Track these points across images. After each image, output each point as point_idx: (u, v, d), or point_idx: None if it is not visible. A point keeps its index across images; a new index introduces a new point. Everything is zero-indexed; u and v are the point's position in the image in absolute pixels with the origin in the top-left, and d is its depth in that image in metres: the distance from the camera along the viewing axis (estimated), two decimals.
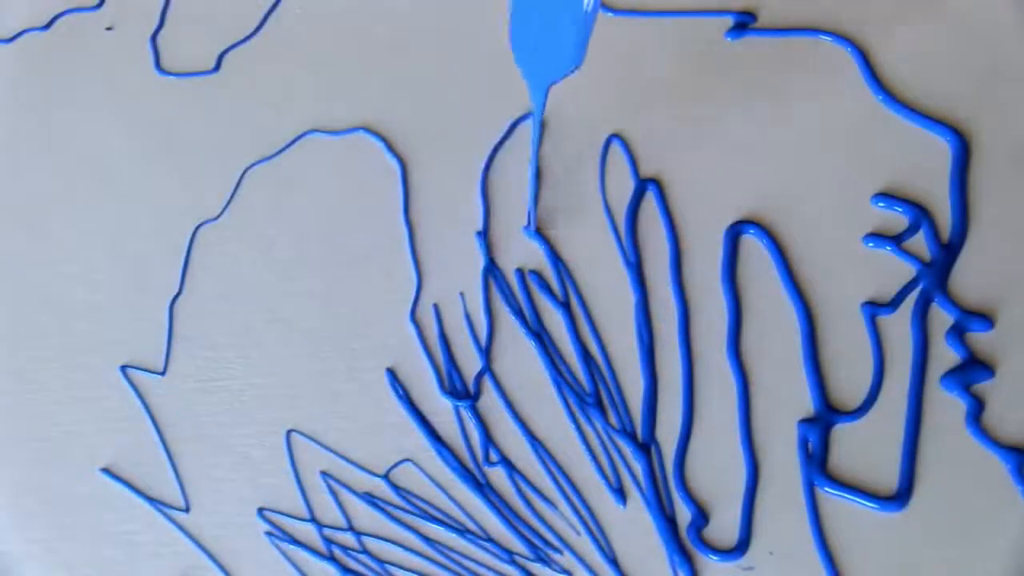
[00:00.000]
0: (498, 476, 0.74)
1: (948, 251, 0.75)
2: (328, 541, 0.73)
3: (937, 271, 0.75)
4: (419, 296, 0.77)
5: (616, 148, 0.79)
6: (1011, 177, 0.76)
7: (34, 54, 0.83)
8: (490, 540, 0.73)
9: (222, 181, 0.80)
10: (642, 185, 0.78)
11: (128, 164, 0.80)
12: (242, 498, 0.74)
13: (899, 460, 0.72)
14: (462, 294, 0.77)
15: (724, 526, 0.72)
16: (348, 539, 0.73)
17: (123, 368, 0.76)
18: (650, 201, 0.78)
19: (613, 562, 0.72)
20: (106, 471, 0.75)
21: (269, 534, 0.74)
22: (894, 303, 0.75)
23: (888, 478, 0.72)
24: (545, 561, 0.72)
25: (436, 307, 0.77)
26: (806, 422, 0.73)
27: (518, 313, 0.76)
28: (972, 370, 0.73)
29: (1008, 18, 0.79)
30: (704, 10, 0.80)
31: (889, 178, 0.77)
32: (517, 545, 0.73)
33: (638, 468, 0.73)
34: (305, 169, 0.80)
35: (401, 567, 0.73)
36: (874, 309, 0.74)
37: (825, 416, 0.73)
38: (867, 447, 0.73)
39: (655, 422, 0.74)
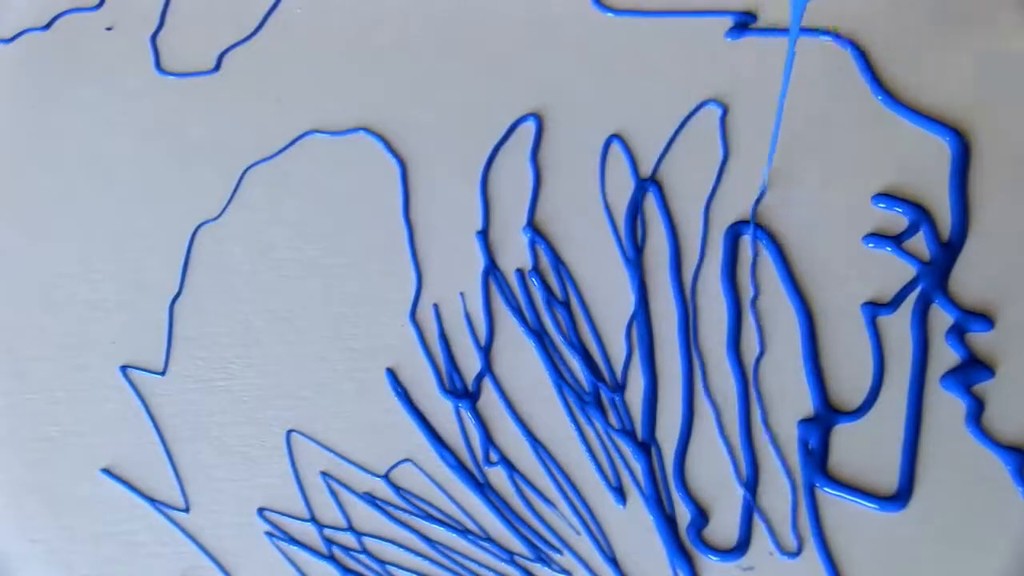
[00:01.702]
0: (498, 476, 0.74)
1: (948, 251, 0.75)
2: (328, 541, 0.73)
3: (937, 271, 0.75)
4: (419, 296, 0.77)
5: (616, 148, 0.79)
6: (1011, 177, 0.76)
7: (34, 54, 0.83)
8: (490, 540, 0.73)
9: (222, 181, 0.80)
10: (642, 185, 0.78)
11: (128, 164, 0.80)
12: (242, 498, 0.74)
13: (899, 460, 0.72)
14: (462, 294, 0.77)
15: (724, 526, 0.72)
16: (348, 539, 0.73)
17: (123, 368, 0.76)
18: (650, 201, 0.78)
19: (613, 562, 0.72)
20: (106, 471, 0.75)
21: (269, 534, 0.74)
22: (894, 303, 0.75)
23: (888, 478, 0.72)
24: (545, 561, 0.72)
25: (436, 307, 0.77)
26: (806, 422, 0.73)
27: (518, 313, 0.76)
28: (972, 370, 0.73)
29: (1008, 18, 0.79)
30: (704, 10, 0.80)
31: (889, 178, 0.77)
32: (517, 545, 0.73)
33: (638, 468, 0.73)
34: (305, 169, 0.80)
35: (401, 567, 0.73)
36: (874, 309, 0.74)
37: (825, 416, 0.73)
38: (867, 447, 0.73)
39: (655, 422, 0.74)
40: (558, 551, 0.73)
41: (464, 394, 0.75)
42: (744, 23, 0.80)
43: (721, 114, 0.78)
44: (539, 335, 0.75)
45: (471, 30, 0.81)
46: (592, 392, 0.74)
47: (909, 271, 0.75)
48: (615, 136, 0.79)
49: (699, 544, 0.72)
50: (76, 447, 0.75)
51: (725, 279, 0.75)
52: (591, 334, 0.75)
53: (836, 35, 0.78)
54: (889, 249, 0.75)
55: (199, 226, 0.79)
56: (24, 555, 0.74)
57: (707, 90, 0.79)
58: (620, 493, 0.73)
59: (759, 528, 0.72)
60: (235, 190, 0.79)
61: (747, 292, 0.75)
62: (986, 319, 0.74)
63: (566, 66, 0.80)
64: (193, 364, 0.76)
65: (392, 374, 0.75)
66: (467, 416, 0.74)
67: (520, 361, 0.75)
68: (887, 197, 0.76)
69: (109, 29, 0.84)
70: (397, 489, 0.74)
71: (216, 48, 0.83)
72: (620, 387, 0.74)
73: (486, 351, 0.75)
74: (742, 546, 0.72)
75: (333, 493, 0.74)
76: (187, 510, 0.74)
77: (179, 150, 0.80)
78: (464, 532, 0.73)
